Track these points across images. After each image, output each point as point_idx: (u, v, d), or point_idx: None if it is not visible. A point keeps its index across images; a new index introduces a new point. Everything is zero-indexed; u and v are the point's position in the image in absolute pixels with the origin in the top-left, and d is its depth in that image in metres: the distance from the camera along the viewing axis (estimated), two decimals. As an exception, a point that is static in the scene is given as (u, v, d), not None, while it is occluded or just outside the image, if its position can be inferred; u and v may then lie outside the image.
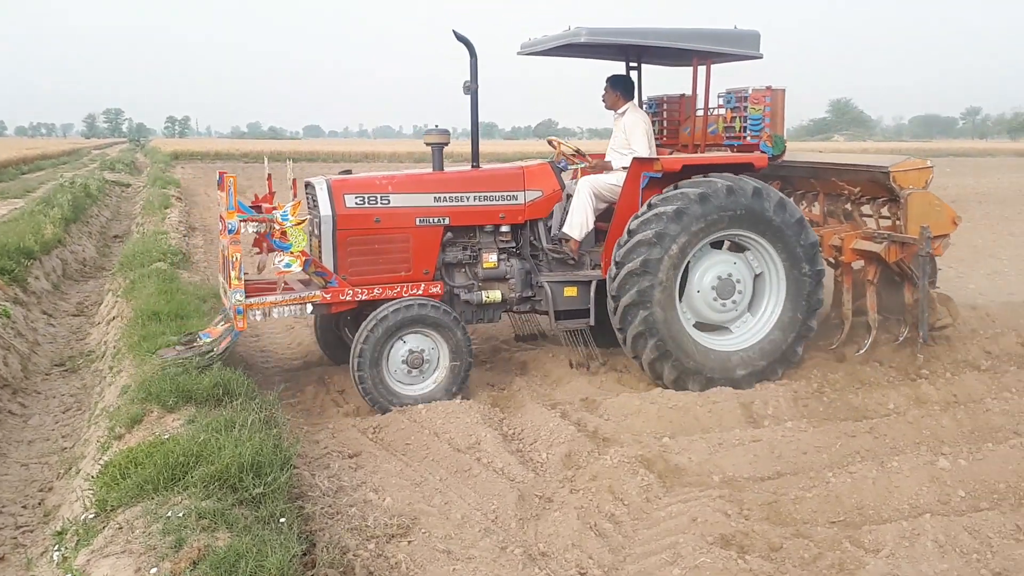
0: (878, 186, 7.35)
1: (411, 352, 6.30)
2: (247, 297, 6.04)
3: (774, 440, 5.49)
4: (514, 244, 7.13)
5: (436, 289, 6.65)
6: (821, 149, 41.63)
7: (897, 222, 7.28)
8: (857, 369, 7.00)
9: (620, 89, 7.45)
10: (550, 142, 7.70)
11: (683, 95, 7.94)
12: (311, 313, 6.53)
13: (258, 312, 6.11)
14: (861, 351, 7.42)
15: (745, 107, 7.29)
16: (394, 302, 6.26)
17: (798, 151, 8.44)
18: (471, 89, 6.77)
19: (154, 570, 3.38)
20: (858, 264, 7.60)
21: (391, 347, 6.26)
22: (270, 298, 6.16)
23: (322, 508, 4.45)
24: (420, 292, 6.53)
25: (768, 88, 7.18)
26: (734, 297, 6.87)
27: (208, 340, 6.35)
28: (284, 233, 6.03)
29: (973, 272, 11.76)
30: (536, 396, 6.58)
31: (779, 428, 5.73)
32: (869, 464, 5.07)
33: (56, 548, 4.03)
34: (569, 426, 5.77)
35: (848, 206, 7.81)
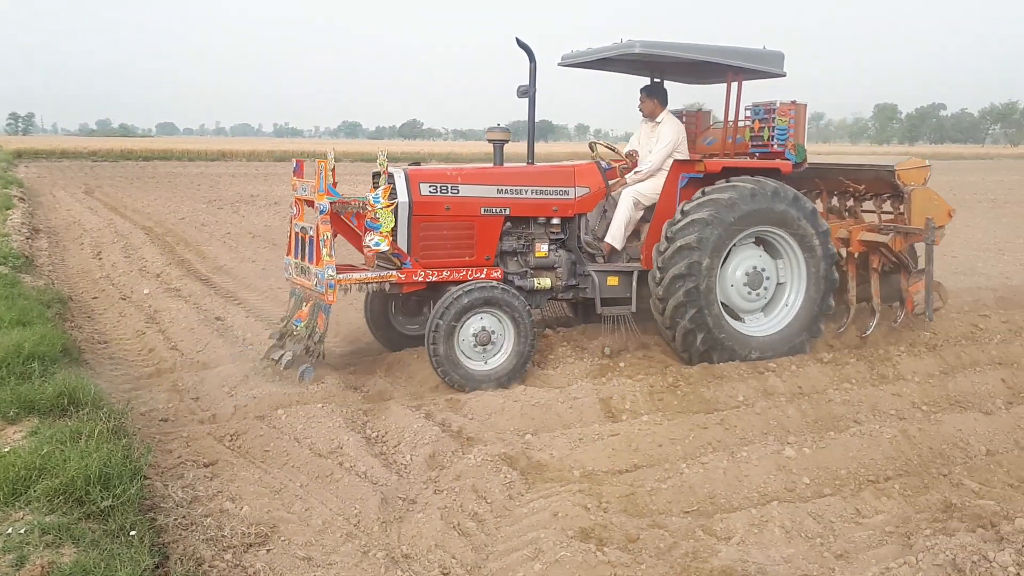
0: (882, 183, 8.17)
1: (482, 330, 6.76)
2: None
3: (631, 434, 5.64)
4: (563, 236, 7.65)
5: (497, 274, 7.20)
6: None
7: (900, 215, 8.06)
8: (710, 364, 7.26)
9: (658, 97, 8.07)
10: (591, 146, 8.43)
11: (699, 110, 8.78)
12: (374, 292, 7.06)
13: (343, 288, 6.55)
14: (867, 333, 8.11)
15: (773, 118, 7.86)
16: (471, 283, 6.78)
17: None
18: (529, 93, 7.34)
19: (-7, 591, 3.22)
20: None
21: (463, 323, 6.70)
22: (356, 275, 6.64)
23: (175, 519, 4.31)
24: (483, 276, 7.09)
25: (793, 102, 7.82)
26: (764, 286, 7.52)
27: (303, 325, 6.78)
28: (376, 215, 6.62)
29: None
30: (401, 397, 6.55)
31: (636, 422, 5.89)
32: (720, 454, 5.27)
33: None
34: (433, 427, 5.76)
35: (851, 202, 8.61)
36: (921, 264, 8.35)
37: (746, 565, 4.02)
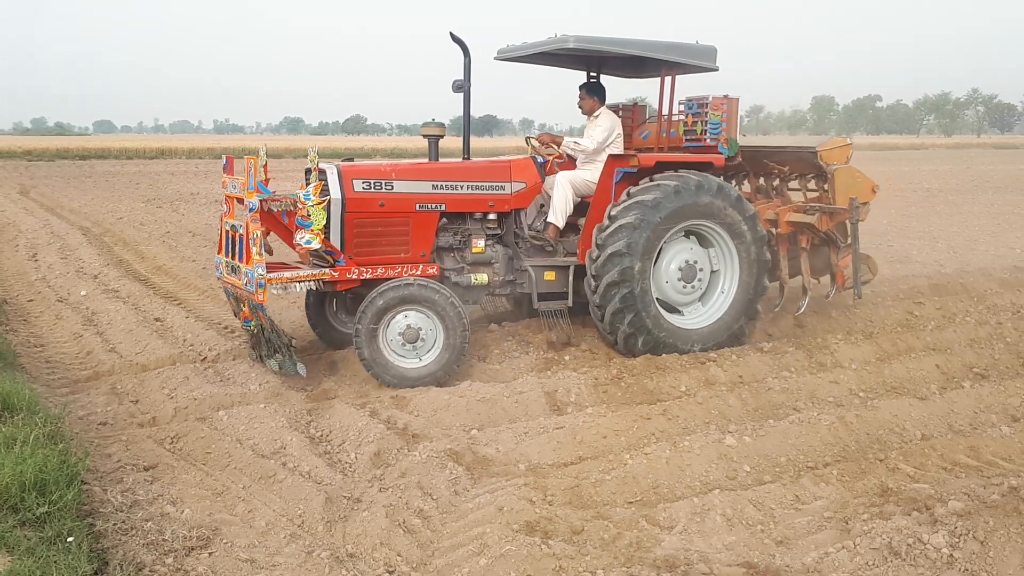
0: (806, 164, 8.26)
1: (408, 328, 6.68)
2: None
3: (576, 426, 5.68)
4: (499, 231, 7.66)
5: (433, 271, 7.18)
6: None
7: (825, 194, 8.17)
8: (654, 356, 7.33)
9: (596, 95, 8.13)
10: (527, 140, 8.32)
11: (635, 103, 8.80)
12: (316, 290, 7.04)
13: (277, 287, 6.44)
14: (800, 311, 8.26)
15: (706, 113, 7.86)
16: (388, 282, 6.70)
17: None
18: (464, 88, 7.30)
19: (-78, 604, 3.14)
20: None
21: (388, 324, 6.67)
22: (287, 274, 6.54)
23: (115, 524, 4.24)
24: (419, 273, 7.05)
25: (726, 96, 7.83)
26: (699, 278, 7.55)
27: (253, 324, 6.77)
28: (308, 213, 6.51)
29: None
30: (345, 396, 6.50)
31: (581, 414, 5.93)
32: (663, 444, 5.32)
33: None
34: (378, 424, 5.74)
35: (777, 183, 8.68)
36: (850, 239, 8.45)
37: (689, 554, 4.08)
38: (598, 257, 7.11)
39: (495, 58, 8.21)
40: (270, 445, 5.38)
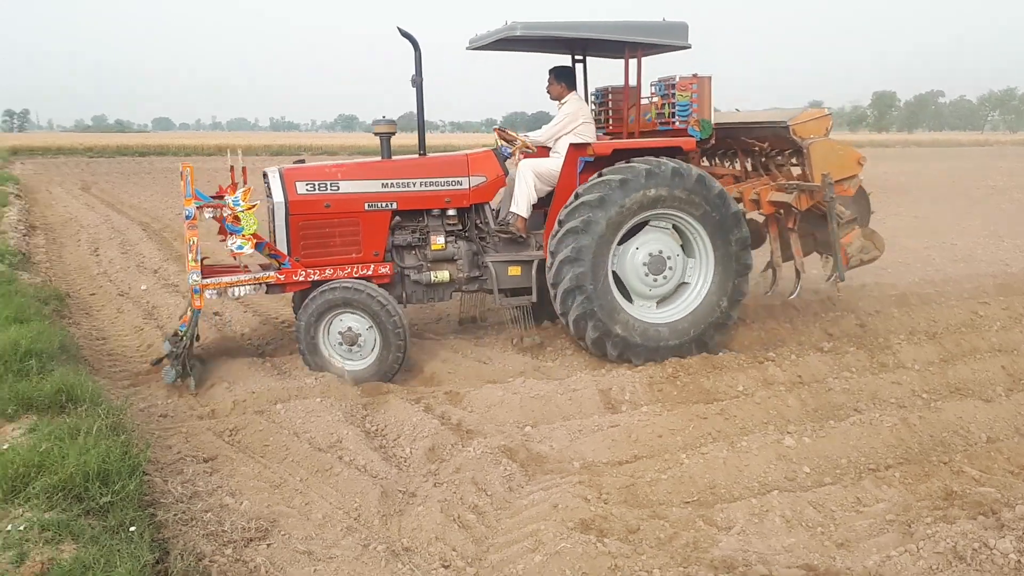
0: (782, 139, 7.83)
1: (348, 330, 6.72)
2: (203, 278, 6.51)
3: (631, 425, 5.64)
4: (461, 227, 7.50)
5: (385, 270, 7.11)
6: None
7: (806, 170, 7.71)
8: (709, 354, 7.25)
9: (564, 80, 7.88)
10: (496, 131, 8.01)
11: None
12: (267, 293, 6.98)
13: (213, 291, 6.59)
14: (793, 295, 8.09)
15: (673, 94, 7.58)
16: (325, 284, 6.69)
17: None
18: (416, 82, 7.11)
19: (-7, 588, 3.22)
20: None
21: (326, 326, 6.73)
22: (226, 278, 6.63)
23: (175, 515, 4.30)
24: (370, 273, 7.00)
25: (695, 76, 7.50)
26: (665, 272, 7.27)
27: (185, 329, 6.69)
28: (236, 217, 6.52)
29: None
30: (399, 391, 6.54)
31: (636, 413, 5.89)
32: (720, 444, 5.26)
33: None
34: (433, 420, 5.76)
35: (763, 160, 8.33)
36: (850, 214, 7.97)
37: (747, 555, 4.02)
38: (552, 265, 6.99)
39: (466, 48, 7.95)
40: (327, 439, 5.43)
